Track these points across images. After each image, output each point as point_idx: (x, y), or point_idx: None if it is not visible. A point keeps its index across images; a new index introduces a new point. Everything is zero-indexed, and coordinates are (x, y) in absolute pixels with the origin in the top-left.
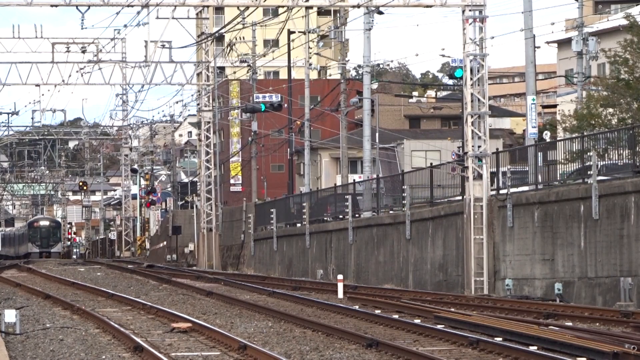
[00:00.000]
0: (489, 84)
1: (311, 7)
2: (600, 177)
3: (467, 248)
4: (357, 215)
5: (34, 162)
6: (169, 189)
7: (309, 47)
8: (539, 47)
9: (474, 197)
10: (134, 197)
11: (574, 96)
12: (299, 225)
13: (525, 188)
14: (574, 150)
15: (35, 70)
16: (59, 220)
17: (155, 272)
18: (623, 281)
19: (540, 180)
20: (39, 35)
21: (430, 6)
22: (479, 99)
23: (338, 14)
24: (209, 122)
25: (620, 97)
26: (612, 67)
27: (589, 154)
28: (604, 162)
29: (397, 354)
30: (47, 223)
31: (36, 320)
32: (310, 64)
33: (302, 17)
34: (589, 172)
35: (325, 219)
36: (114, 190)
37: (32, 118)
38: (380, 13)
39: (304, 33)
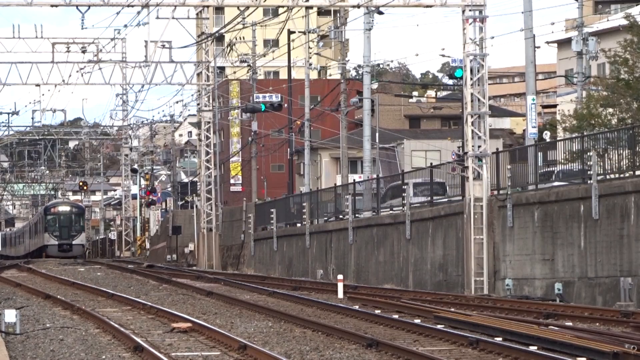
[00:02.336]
0: (489, 84)
1: (311, 7)
2: (557, 183)
3: (467, 248)
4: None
5: (34, 162)
6: (169, 189)
7: (309, 47)
8: (539, 47)
9: (474, 197)
10: (134, 197)
11: (574, 96)
12: (299, 225)
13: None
14: (574, 150)
15: (35, 70)
16: (82, 205)
17: (155, 272)
18: (623, 281)
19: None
20: (39, 35)
21: (430, 6)
22: (479, 99)
23: (338, 14)
24: (209, 122)
25: (620, 97)
26: (612, 67)
27: (589, 154)
28: (560, 168)
29: (397, 354)
30: (67, 208)
31: (36, 320)
32: (310, 64)
33: (302, 17)
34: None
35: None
36: (114, 190)
37: (32, 118)
38: (380, 13)
39: (304, 33)
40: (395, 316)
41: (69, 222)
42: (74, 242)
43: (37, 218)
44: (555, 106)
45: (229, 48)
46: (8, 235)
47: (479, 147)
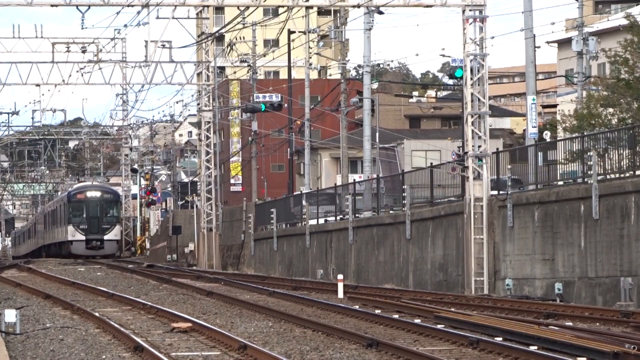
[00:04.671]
0: (489, 84)
1: (311, 7)
2: (493, 193)
3: (467, 248)
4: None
5: (34, 162)
6: (169, 189)
7: (309, 47)
8: (539, 47)
9: (474, 197)
10: (134, 197)
11: (574, 96)
12: (299, 225)
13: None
14: (574, 150)
15: (35, 70)
16: (116, 190)
17: (155, 272)
18: (623, 281)
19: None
20: (39, 35)
21: (430, 6)
22: (479, 99)
23: (338, 14)
24: (209, 122)
25: (620, 97)
26: (612, 67)
27: (589, 154)
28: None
29: (397, 354)
30: (97, 194)
31: (36, 320)
32: (310, 64)
33: (302, 17)
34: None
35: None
36: None
37: (32, 118)
38: (381, 13)
39: (304, 33)
40: (396, 316)
41: (101, 211)
42: (106, 238)
43: (57, 206)
44: (555, 106)
45: (229, 48)
46: (18, 232)
47: (479, 147)
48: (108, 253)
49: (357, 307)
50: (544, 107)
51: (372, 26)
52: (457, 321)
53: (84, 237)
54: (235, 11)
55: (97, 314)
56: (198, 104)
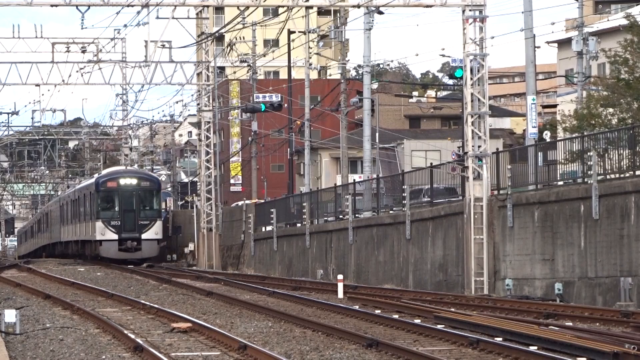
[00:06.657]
0: (489, 84)
1: (311, 7)
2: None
3: (467, 248)
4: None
5: (34, 162)
6: (169, 189)
7: (309, 47)
8: (539, 47)
9: (474, 197)
10: None
11: (574, 96)
12: (299, 225)
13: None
14: (574, 150)
15: (35, 70)
16: (156, 176)
17: (155, 272)
18: (623, 281)
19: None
20: (39, 35)
21: (430, 6)
22: (479, 99)
23: (338, 14)
24: (209, 122)
25: (620, 97)
26: (612, 67)
27: (589, 154)
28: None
29: (397, 354)
30: (133, 181)
31: (36, 320)
32: (310, 64)
33: (302, 17)
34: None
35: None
36: None
37: (32, 118)
38: (380, 13)
39: (304, 33)
40: (395, 316)
41: (137, 203)
42: (144, 237)
43: (81, 196)
44: (555, 106)
45: (229, 48)
46: (25, 228)
47: (479, 147)
48: (146, 256)
49: (357, 307)
50: (544, 107)
51: (372, 26)
52: (457, 321)
53: (116, 237)
54: (235, 11)
55: (97, 314)
56: (198, 104)
